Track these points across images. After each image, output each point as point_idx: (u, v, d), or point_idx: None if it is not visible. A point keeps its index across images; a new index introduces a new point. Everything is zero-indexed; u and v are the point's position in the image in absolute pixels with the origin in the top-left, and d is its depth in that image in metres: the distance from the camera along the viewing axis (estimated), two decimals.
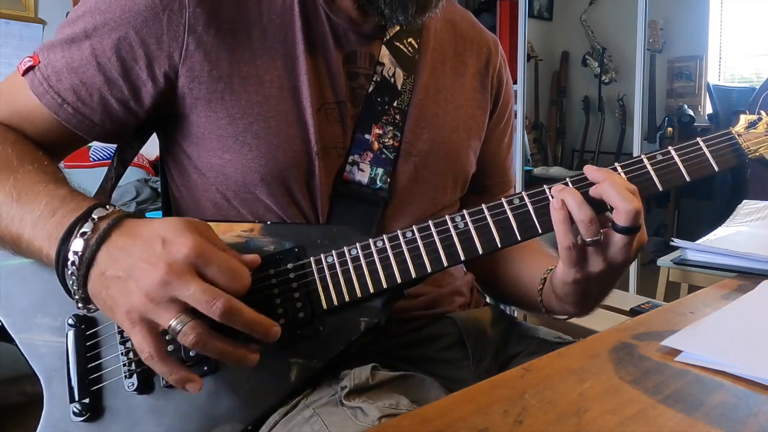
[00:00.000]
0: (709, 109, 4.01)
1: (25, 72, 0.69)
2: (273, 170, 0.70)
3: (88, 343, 0.65)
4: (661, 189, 0.64)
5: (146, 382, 0.63)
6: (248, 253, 0.64)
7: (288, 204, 0.72)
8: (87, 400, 0.63)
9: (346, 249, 0.64)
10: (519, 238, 0.63)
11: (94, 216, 0.58)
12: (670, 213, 4.04)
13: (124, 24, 0.66)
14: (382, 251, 0.64)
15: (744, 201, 1.21)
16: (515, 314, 1.27)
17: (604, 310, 1.55)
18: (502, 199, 0.64)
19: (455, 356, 0.79)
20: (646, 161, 0.64)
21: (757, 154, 0.65)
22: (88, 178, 0.82)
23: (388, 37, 0.79)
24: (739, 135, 0.66)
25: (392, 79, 0.78)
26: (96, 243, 0.56)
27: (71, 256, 0.56)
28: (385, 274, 0.63)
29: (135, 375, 0.63)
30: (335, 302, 0.63)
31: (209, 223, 0.65)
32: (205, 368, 0.62)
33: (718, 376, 0.53)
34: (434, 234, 0.64)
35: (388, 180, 0.76)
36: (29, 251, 0.61)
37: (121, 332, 0.64)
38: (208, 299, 0.53)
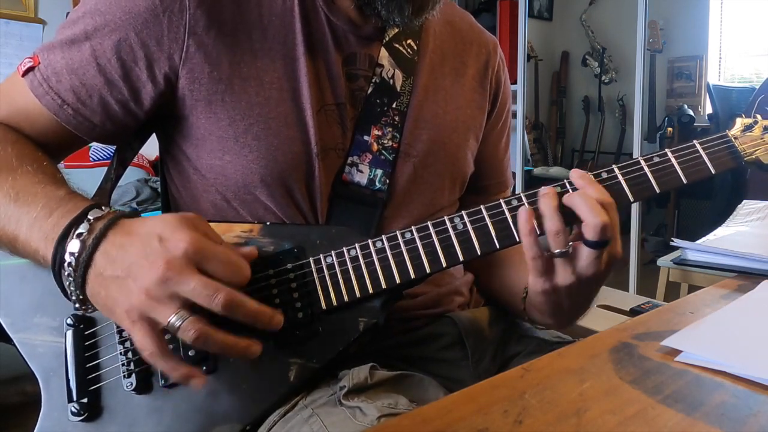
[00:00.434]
0: (709, 109, 4.01)
1: (25, 73, 0.69)
2: (273, 171, 0.70)
3: (86, 343, 0.65)
4: (658, 191, 0.64)
5: (145, 381, 0.63)
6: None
7: (287, 205, 0.72)
8: (85, 400, 0.63)
9: (345, 249, 0.64)
10: (517, 240, 0.63)
11: (90, 217, 0.58)
12: (670, 213, 4.04)
13: (125, 25, 0.66)
14: (381, 252, 0.64)
15: (744, 201, 1.21)
16: None
17: (604, 310, 1.55)
18: (501, 200, 0.64)
19: (454, 356, 0.79)
20: (643, 163, 0.64)
21: (753, 156, 0.66)
22: (88, 178, 0.81)
23: (387, 39, 0.79)
24: (735, 138, 0.66)
25: (391, 81, 0.78)
26: (92, 244, 0.56)
27: (68, 258, 0.56)
28: (384, 274, 0.63)
29: (133, 374, 0.62)
30: (334, 302, 0.63)
31: (209, 223, 0.65)
32: (204, 368, 0.62)
33: (718, 376, 0.53)
34: (433, 235, 0.64)
35: (387, 181, 0.76)
36: (25, 252, 0.61)
37: (120, 332, 0.64)
38: (209, 293, 0.53)
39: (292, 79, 0.72)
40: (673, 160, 0.64)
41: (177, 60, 0.68)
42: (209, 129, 0.70)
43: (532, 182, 3.67)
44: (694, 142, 0.66)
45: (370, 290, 0.63)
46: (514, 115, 0.98)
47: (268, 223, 0.67)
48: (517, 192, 0.66)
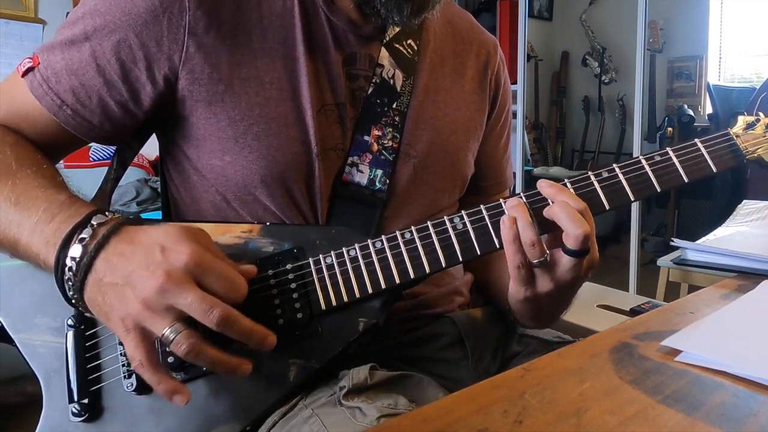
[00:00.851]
0: (709, 109, 4.01)
1: (25, 73, 0.69)
2: (273, 172, 0.70)
3: (87, 344, 0.65)
4: (659, 190, 0.64)
5: (145, 382, 0.63)
6: (247, 254, 0.64)
7: (287, 205, 0.72)
8: (86, 401, 0.63)
9: (344, 250, 0.64)
10: None
11: (93, 222, 0.57)
12: (670, 213, 4.04)
13: (124, 26, 0.66)
14: (380, 252, 0.64)
15: (744, 201, 1.21)
16: None
17: (604, 310, 1.54)
18: (501, 200, 0.64)
19: (454, 356, 0.79)
20: (644, 162, 0.64)
21: (755, 155, 0.65)
22: (88, 179, 0.81)
23: (387, 39, 0.79)
24: (737, 136, 0.66)
25: (391, 81, 0.78)
26: (94, 249, 0.56)
27: (69, 262, 0.56)
28: (383, 274, 0.63)
29: (134, 375, 0.62)
30: (334, 303, 0.63)
31: (209, 224, 0.65)
32: (204, 368, 0.62)
33: (718, 376, 0.53)
34: (433, 235, 0.64)
35: (387, 181, 0.76)
36: (26, 256, 0.61)
37: None
38: (205, 308, 0.52)
39: (292, 79, 0.72)
40: (674, 159, 0.64)
41: (177, 61, 0.68)
42: (209, 129, 0.70)
43: (532, 182, 3.67)
44: (696, 140, 0.65)
45: (370, 290, 0.63)
46: (514, 115, 0.98)
47: (267, 224, 0.67)
48: (517, 192, 0.66)
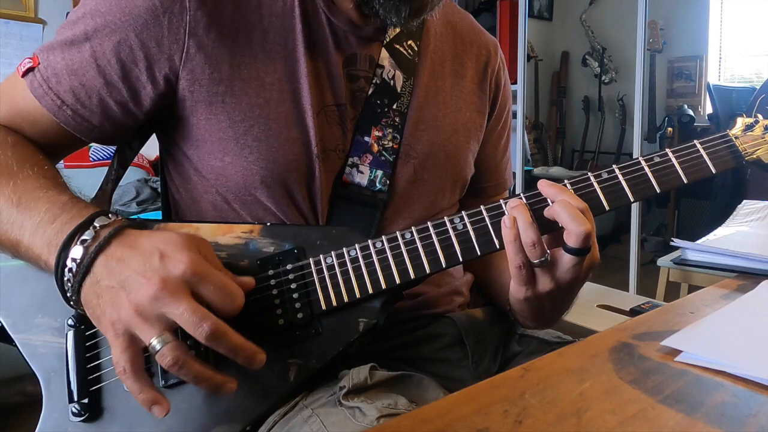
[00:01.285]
0: (709, 109, 4.01)
1: (25, 73, 0.69)
2: (273, 173, 0.70)
3: (87, 344, 0.65)
4: (659, 191, 0.64)
5: None
6: (248, 255, 0.64)
7: (288, 206, 0.72)
8: (86, 401, 0.63)
9: (345, 250, 0.64)
10: None
11: (96, 224, 0.57)
12: (670, 213, 4.04)
13: (125, 26, 0.66)
14: (381, 252, 0.64)
15: (744, 201, 1.21)
16: None
17: (604, 310, 1.55)
18: (501, 201, 0.64)
19: (454, 356, 0.79)
20: (643, 163, 0.64)
21: (754, 156, 0.66)
22: (88, 178, 0.82)
23: (388, 40, 0.79)
24: (736, 137, 0.66)
25: (392, 82, 0.78)
26: (94, 251, 0.56)
27: (69, 263, 0.56)
28: (383, 275, 0.63)
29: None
30: (334, 303, 0.63)
31: (209, 224, 0.66)
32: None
33: (718, 376, 0.53)
34: (433, 235, 0.64)
35: (388, 182, 0.76)
36: (28, 257, 0.61)
37: None
38: (195, 320, 0.52)
39: (293, 80, 0.72)
40: (674, 160, 0.65)
41: (177, 61, 0.68)
42: (209, 130, 0.70)
43: (532, 182, 3.67)
44: (695, 141, 0.66)
45: (370, 291, 0.63)
46: (514, 115, 0.98)
47: (268, 224, 0.67)
48: (517, 192, 0.66)
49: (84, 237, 0.57)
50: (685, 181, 0.64)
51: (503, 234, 0.61)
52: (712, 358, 0.54)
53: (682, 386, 0.51)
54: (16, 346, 0.66)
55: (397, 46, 0.79)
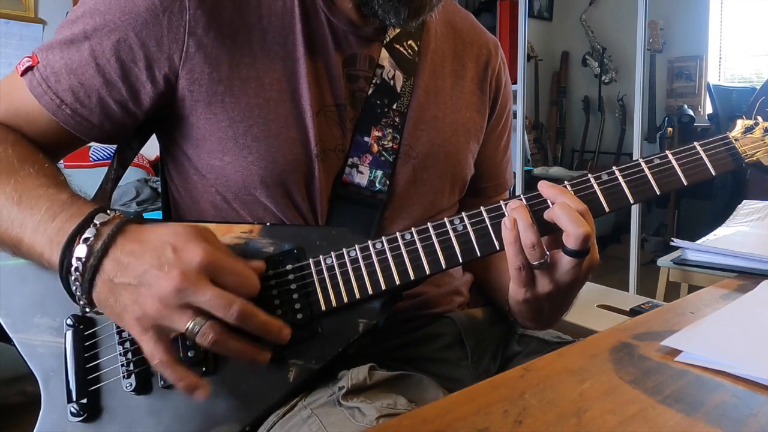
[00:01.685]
0: (709, 109, 4.01)
1: (24, 72, 0.68)
2: (272, 173, 0.70)
3: (86, 343, 0.65)
4: (658, 193, 0.64)
5: (144, 382, 0.63)
6: (248, 255, 0.64)
7: (287, 206, 0.72)
8: (85, 401, 0.63)
9: (344, 251, 0.64)
10: None
11: (97, 221, 0.58)
12: (670, 213, 4.04)
13: (124, 26, 0.66)
14: (380, 253, 0.64)
15: (744, 201, 1.22)
16: None
17: (604, 310, 1.54)
18: (501, 202, 0.64)
19: (454, 356, 0.79)
20: (643, 165, 0.64)
21: (754, 158, 0.66)
22: (88, 178, 0.82)
23: (388, 40, 0.78)
24: (736, 140, 0.66)
25: (392, 82, 0.78)
26: (101, 249, 0.56)
27: (75, 263, 0.57)
28: (383, 275, 0.63)
29: (133, 375, 0.62)
30: (334, 304, 0.63)
31: (209, 224, 0.65)
32: (203, 369, 0.62)
33: (718, 376, 0.53)
34: (433, 236, 0.64)
35: (387, 182, 0.76)
36: (30, 255, 0.61)
37: (119, 332, 0.64)
38: (224, 303, 0.54)
39: (292, 80, 0.71)
40: (674, 162, 0.64)
41: (177, 61, 0.68)
42: (209, 130, 0.70)
43: (532, 182, 3.67)
44: (695, 143, 0.66)
45: (370, 291, 0.63)
46: (514, 115, 0.98)
47: (268, 224, 0.67)
48: (517, 193, 0.66)
49: (86, 235, 0.57)
50: (685, 183, 0.64)
51: (503, 235, 0.61)
52: (712, 358, 0.54)
53: (682, 386, 0.51)
54: (14, 346, 0.66)
55: (397, 46, 0.79)
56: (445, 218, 0.64)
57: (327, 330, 0.63)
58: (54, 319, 0.66)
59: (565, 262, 0.61)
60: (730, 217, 1.16)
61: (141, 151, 0.82)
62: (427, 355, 0.78)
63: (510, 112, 0.94)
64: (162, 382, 0.63)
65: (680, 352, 0.56)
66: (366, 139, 0.75)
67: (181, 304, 0.54)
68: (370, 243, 0.64)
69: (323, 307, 0.63)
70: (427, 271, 0.63)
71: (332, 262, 0.64)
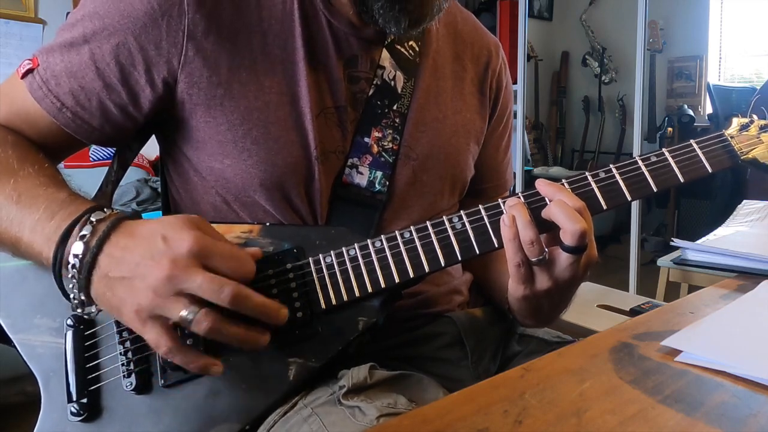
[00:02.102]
0: (709, 109, 4.01)
1: (24, 75, 0.69)
2: (272, 176, 0.70)
3: (86, 344, 0.65)
4: (656, 190, 0.64)
5: (144, 381, 0.63)
6: None
7: (287, 208, 0.72)
8: (85, 400, 0.63)
9: (344, 250, 0.64)
10: None
11: (93, 219, 0.58)
12: (670, 213, 4.04)
13: (123, 30, 0.66)
14: (380, 251, 0.64)
15: (744, 201, 1.22)
16: None
17: (604, 310, 1.54)
18: (500, 200, 0.64)
19: (454, 355, 0.79)
20: (640, 163, 0.65)
21: (750, 156, 0.66)
22: (88, 179, 0.81)
23: (389, 41, 0.78)
24: (731, 137, 0.67)
25: (392, 83, 0.78)
26: (96, 245, 0.56)
27: (71, 260, 0.56)
28: (383, 274, 0.63)
29: (133, 374, 0.62)
30: (334, 302, 0.63)
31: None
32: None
33: (718, 376, 0.53)
34: (432, 234, 0.64)
35: (387, 183, 0.76)
36: (29, 254, 0.61)
37: (119, 332, 0.64)
38: (215, 287, 0.53)
39: (292, 83, 0.71)
40: (670, 160, 0.65)
41: (176, 64, 0.68)
42: (209, 133, 0.70)
43: (532, 182, 3.66)
44: (691, 141, 0.66)
45: (370, 290, 0.63)
46: (514, 116, 0.98)
47: (267, 224, 0.67)
48: (516, 192, 0.67)
49: (83, 232, 0.57)
50: (682, 180, 0.64)
51: (502, 232, 0.62)
52: (712, 358, 0.54)
53: (682, 386, 0.51)
54: (14, 347, 0.66)
55: (398, 47, 0.79)
56: (444, 217, 0.65)
57: (327, 328, 0.63)
58: (54, 320, 0.66)
59: (564, 258, 0.62)
60: (730, 217, 1.16)
61: (141, 151, 0.82)
62: (427, 355, 0.78)
63: (510, 114, 0.94)
64: (162, 381, 0.63)
65: (680, 352, 0.56)
66: (366, 139, 0.75)
67: (174, 293, 0.53)
68: (369, 242, 0.64)
69: (323, 306, 0.63)
70: (427, 269, 0.63)
71: (332, 260, 0.64)
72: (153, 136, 0.80)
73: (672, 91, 4.29)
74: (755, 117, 0.69)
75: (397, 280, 0.63)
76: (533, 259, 0.61)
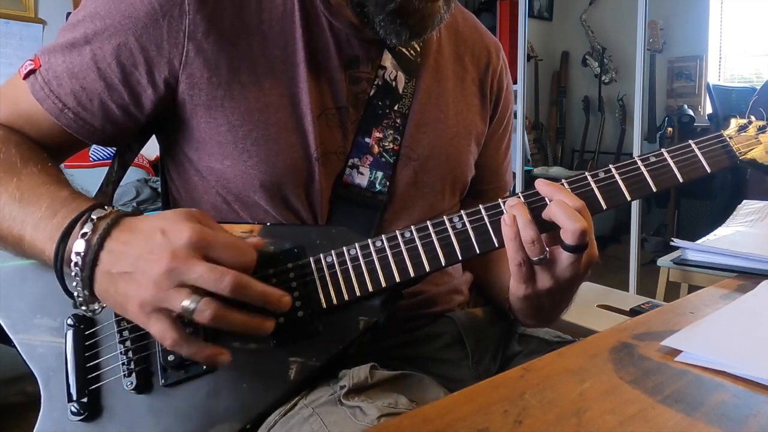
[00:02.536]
0: (709, 109, 4.01)
1: (26, 75, 0.69)
2: (272, 177, 0.70)
3: (86, 343, 0.65)
4: (655, 190, 0.65)
5: (145, 381, 0.63)
6: None
7: (287, 209, 0.72)
8: (85, 400, 0.63)
9: (345, 249, 0.64)
10: None
11: (93, 216, 0.58)
12: (670, 213, 4.04)
13: (124, 30, 0.66)
14: (380, 251, 0.64)
15: (744, 201, 1.22)
16: None
17: (604, 310, 1.54)
18: (500, 200, 0.65)
19: (454, 355, 0.79)
20: (639, 163, 0.65)
21: (748, 156, 0.67)
22: (88, 178, 0.81)
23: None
24: (730, 137, 0.67)
25: (394, 83, 0.78)
26: (97, 242, 0.56)
27: (74, 257, 0.57)
28: (383, 273, 0.63)
29: (134, 374, 0.63)
30: (334, 301, 0.63)
31: None
32: (204, 367, 0.62)
33: (718, 376, 0.53)
34: (432, 234, 0.64)
35: (387, 183, 0.76)
36: (32, 253, 0.62)
37: (120, 331, 0.64)
38: (216, 277, 0.53)
39: (292, 85, 0.71)
40: (669, 160, 0.65)
41: (177, 65, 0.68)
42: (209, 133, 0.70)
43: (532, 182, 3.65)
44: (690, 141, 0.67)
45: (370, 289, 0.63)
46: (514, 116, 0.98)
47: (268, 224, 0.67)
48: (516, 192, 0.67)
49: (84, 230, 0.57)
50: (681, 180, 0.65)
51: (503, 232, 0.62)
52: (712, 358, 0.54)
53: (682, 386, 0.51)
54: (14, 347, 0.66)
55: (400, 47, 0.79)
56: (444, 216, 0.65)
57: (328, 328, 0.63)
58: (54, 320, 0.66)
59: (564, 257, 0.62)
60: (730, 217, 1.16)
61: (141, 151, 0.82)
62: (428, 355, 0.78)
63: (511, 116, 0.94)
64: (163, 381, 0.63)
65: (680, 352, 0.56)
66: (367, 140, 0.75)
67: (175, 285, 0.54)
68: (370, 241, 0.64)
69: (324, 305, 0.63)
70: (427, 269, 0.63)
71: (332, 260, 0.64)
72: (153, 136, 0.81)
73: (672, 91, 4.29)
74: (753, 118, 0.70)
75: (397, 279, 0.63)
76: (534, 259, 0.62)
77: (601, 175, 0.65)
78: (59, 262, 0.58)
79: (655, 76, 3.97)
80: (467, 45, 0.87)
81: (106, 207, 0.60)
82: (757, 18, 3.91)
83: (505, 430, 0.45)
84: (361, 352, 0.69)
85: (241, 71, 0.69)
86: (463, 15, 0.89)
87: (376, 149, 0.76)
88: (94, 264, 0.56)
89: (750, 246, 0.93)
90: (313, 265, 0.64)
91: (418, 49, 0.80)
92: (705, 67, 4.15)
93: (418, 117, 0.78)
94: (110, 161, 0.80)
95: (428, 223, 0.65)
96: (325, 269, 0.64)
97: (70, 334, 0.65)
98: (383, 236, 0.64)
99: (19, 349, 0.66)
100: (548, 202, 0.62)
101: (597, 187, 0.64)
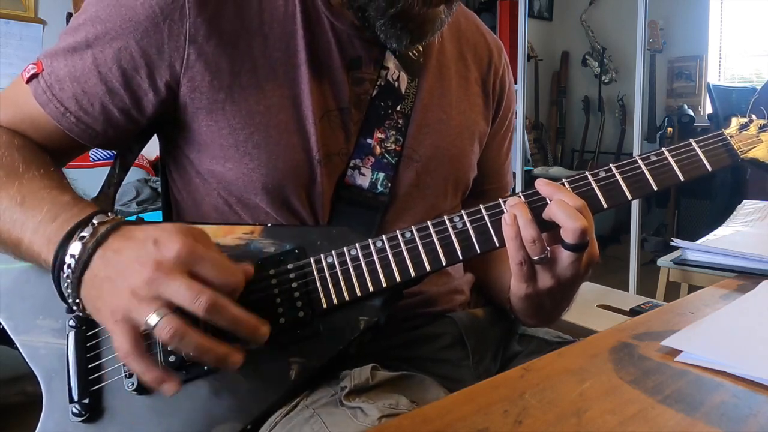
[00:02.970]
0: (709, 109, 4.01)
1: (29, 79, 0.69)
2: (274, 179, 0.70)
3: (88, 344, 0.65)
4: (656, 189, 0.65)
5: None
6: (249, 255, 0.64)
7: (288, 211, 0.72)
8: (87, 401, 0.63)
9: (345, 249, 0.64)
10: None
11: (95, 221, 0.58)
12: (670, 213, 4.04)
13: (125, 34, 0.66)
14: (381, 251, 0.64)
15: (744, 201, 1.22)
16: None
17: (604, 310, 1.55)
18: (500, 200, 0.65)
19: (455, 356, 0.79)
20: (640, 162, 0.65)
21: (749, 155, 0.67)
22: (88, 178, 0.82)
23: None
24: (731, 136, 0.67)
25: (396, 83, 0.77)
26: (92, 246, 0.56)
27: (68, 260, 0.57)
28: (384, 273, 0.63)
29: (135, 375, 0.63)
30: (335, 302, 0.63)
31: (210, 225, 0.66)
32: (205, 367, 0.62)
33: (718, 376, 0.53)
34: (433, 234, 0.64)
35: (389, 185, 0.76)
36: (29, 255, 0.61)
37: None
38: (192, 294, 0.51)
39: (293, 86, 0.71)
40: (670, 159, 0.65)
41: (178, 68, 0.68)
42: (210, 136, 0.70)
43: (532, 182, 3.65)
44: (691, 140, 0.67)
45: (371, 289, 0.63)
46: (515, 116, 0.98)
47: (269, 225, 0.67)
48: (516, 192, 0.67)
49: (83, 234, 0.57)
50: (682, 179, 0.65)
51: (504, 231, 0.62)
52: (712, 358, 0.54)
53: (682, 386, 0.51)
54: (16, 348, 0.66)
55: None
56: (445, 216, 0.65)
57: (328, 328, 0.64)
58: (56, 321, 0.66)
59: (565, 256, 0.62)
60: (730, 217, 1.16)
61: (141, 151, 0.82)
62: (428, 355, 0.78)
63: (513, 116, 0.94)
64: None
65: (680, 352, 0.56)
66: (369, 141, 0.75)
67: (152, 296, 0.52)
68: (370, 241, 0.65)
69: (324, 305, 0.63)
70: (428, 268, 0.64)
71: (333, 260, 0.64)
72: (153, 136, 0.81)
73: (672, 91, 4.29)
74: (754, 117, 0.70)
75: (398, 279, 0.63)
76: (535, 258, 0.62)
77: (602, 174, 0.65)
78: (57, 267, 0.57)
79: (655, 76, 3.97)
80: (470, 45, 0.87)
81: (109, 213, 0.59)
82: (757, 18, 3.91)
83: (505, 430, 0.45)
84: (361, 352, 0.69)
85: (242, 74, 0.69)
86: (465, 15, 0.89)
87: (378, 150, 0.76)
88: (85, 267, 0.56)
89: (750, 246, 0.93)
90: (313, 265, 0.64)
91: (421, 50, 0.80)
92: (705, 67, 4.15)
93: (421, 118, 0.78)
94: (110, 161, 0.80)
95: (429, 222, 0.65)
96: (325, 269, 0.64)
97: (71, 335, 0.65)
98: (384, 236, 0.64)
99: (21, 350, 0.66)
100: (548, 202, 0.62)
101: (597, 186, 0.65)
